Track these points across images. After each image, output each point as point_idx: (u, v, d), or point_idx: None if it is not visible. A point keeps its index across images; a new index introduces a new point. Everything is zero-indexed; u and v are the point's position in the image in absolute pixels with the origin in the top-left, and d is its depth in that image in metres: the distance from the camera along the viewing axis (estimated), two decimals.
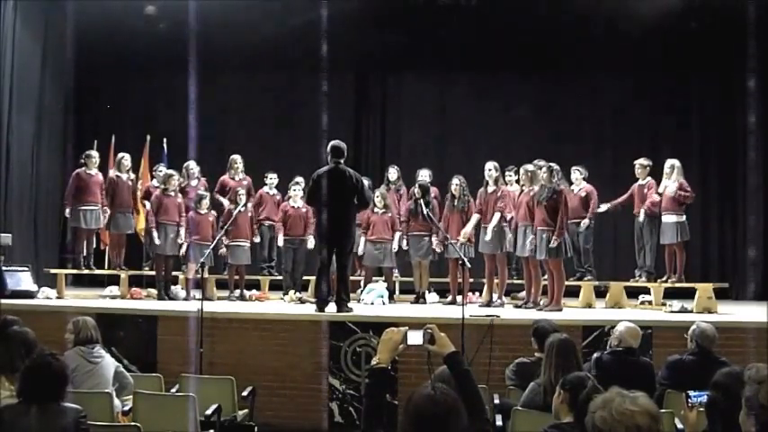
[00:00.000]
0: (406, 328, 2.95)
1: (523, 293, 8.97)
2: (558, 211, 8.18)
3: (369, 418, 2.83)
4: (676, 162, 9.05)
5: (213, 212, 9.64)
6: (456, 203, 9.21)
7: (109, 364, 5.13)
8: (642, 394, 2.28)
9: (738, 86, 11.13)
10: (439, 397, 2.42)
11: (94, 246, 10.20)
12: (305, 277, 9.80)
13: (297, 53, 11.35)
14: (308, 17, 10.30)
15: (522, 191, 8.90)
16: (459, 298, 8.68)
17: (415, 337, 2.91)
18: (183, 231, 9.33)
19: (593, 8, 10.65)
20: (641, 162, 9.38)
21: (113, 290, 9.68)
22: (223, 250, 9.55)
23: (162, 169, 10.05)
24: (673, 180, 8.93)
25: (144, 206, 9.92)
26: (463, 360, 3.06)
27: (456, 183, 9.26)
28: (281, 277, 9.93)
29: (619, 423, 2.18)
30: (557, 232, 8.11)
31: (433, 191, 9.78)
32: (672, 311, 8.25)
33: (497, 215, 8.86)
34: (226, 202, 9.82)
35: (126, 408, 5.02)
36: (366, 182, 8.45)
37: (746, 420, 2.81)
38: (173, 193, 9.38)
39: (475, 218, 9.04)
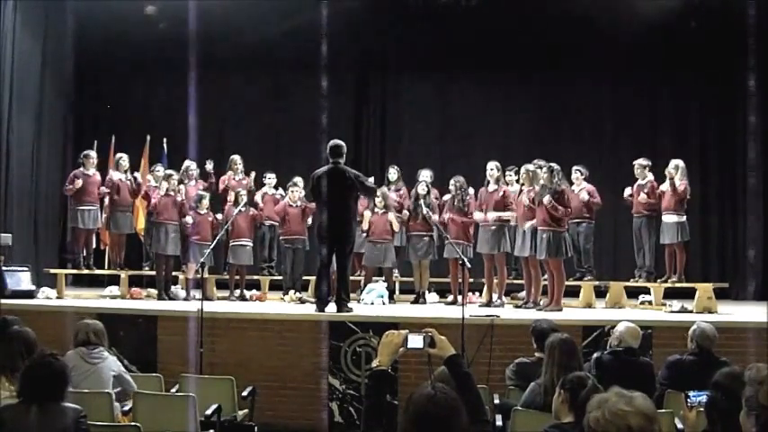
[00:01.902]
0: (407, 331, 2.95)
1: (523, 293, 8.97)
2: (559, 211, 8.20)
3: (368, 419, 2.83)
4: (680, 162, 9.05)
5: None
6: (455, 203, 9.21)
7: (109, 365, 5.10)
8: (640, 395, 2.26)
9: (738, 86, 11.14)
10: (439, 397, 2.43)
11: (94, 246, 10.21)
12: (305, 277, 9.81)
13: (297, 53, 11.35)
14: (308, 17, 10.30)
15: (521, 190, 8.90)
16: (460, 298, 8.68)
17: (416, 341, 2.91)
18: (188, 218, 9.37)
19: (594, 8, 10.65)
20: (640, 162, 9.37)
21: (113, 290, 9.68)
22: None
23: (159, 169, 10.05)
24: (677, 180, 8.92)
25: (144, 204, 9.91)
26: (463, 363, 3.06)
27: (453, 182, 9.26)
28: (281, 277, 9.93)
29: (611, 423, 2.17)
30: (556, 213, 8.11)
31: (434, 192, 9.79)
32: (672, 311, 8.24)
33: (509, 213, 8.87)
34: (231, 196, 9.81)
35: (126, 408, 5.01)
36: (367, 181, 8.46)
37: (747, 420, 2.80)
38: (172, 193, 9.38)
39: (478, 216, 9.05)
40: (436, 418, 2.39)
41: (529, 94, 12.72)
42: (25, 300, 8.38)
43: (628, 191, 9.40)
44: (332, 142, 7.82)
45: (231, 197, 9.76)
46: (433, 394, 2.43)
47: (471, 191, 9.32)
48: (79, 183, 9.42)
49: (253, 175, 10.19)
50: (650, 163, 9.33)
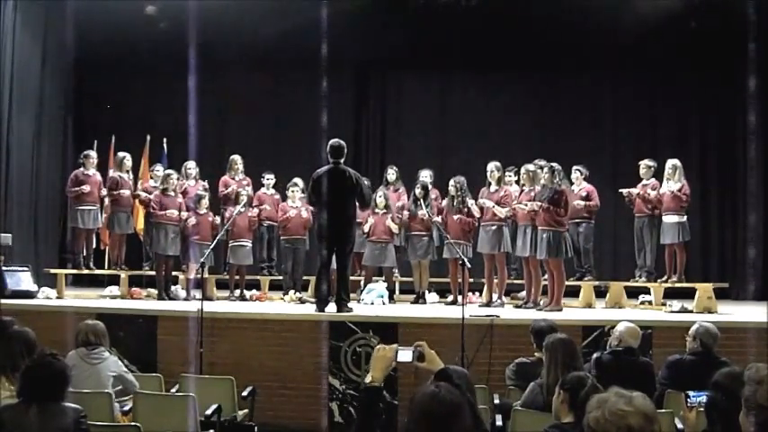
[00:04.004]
0: (396, 345, 2.94)
1: (523, 293, 8.97)
2: (560, 211, 8.21)
3: None
4: (677, 162, 9.05)
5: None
6: (454, 203, 9.21)
7: (108, 366, 5.11)
8: (639, 394, 2.27)
9: (738, 86, 11.13)
10: (444, 394, 2.44)
11: (94, 246, 10.20)
12: (305, 277, 9.81)
13: (297, 53, 11.35)
14: (308, 17, 10.29)
15: (522, 191, 8.90)
16: (460, 298, 8.68)
17: (405, 355, 2.90)
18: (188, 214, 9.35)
19: (594, 8, 10.65)
20: (646, 163, 9.36)
21: (113, 290, 9.67)
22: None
23: (159, 169, 10.05)
24: (676, 180, 8.93)
25: (143, 205, 9.91)
26: (453, 375, 3.06)
27: (452, 183, 9.27)
28: (281, 277, 9.93)
29: (611, 423, 2.17)
30: (554, 214, 8.10)
31: (434, 192, 9.79)
32: (672, 311, 8.25)
33: (504, 209, 8.86)
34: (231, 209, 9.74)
35: (126, 408, 5.02)
36: (366, 182, 8.45)
37: (746, 420, 2.80)
38: (172, 193, 9.38)
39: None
40: (440, 415, 2.40)
41: (529, 94, 12.71)
42: (25, 300, 8.38)
43: (635, 190, 9.34)
44: (332, 142, 7.80)
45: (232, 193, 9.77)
46: (437, 392, 2.45)
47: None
48: (86, 188, 9.43)
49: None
50: (656, 164, 9.32)
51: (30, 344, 4.25)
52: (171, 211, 9.22)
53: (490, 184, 9.12)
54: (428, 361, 2.93)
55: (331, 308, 7.74)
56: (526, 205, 8.47)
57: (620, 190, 9.45)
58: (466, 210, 9.13)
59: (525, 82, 12.64)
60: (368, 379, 2.88)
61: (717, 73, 11.97)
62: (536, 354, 5.21)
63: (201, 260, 7.68)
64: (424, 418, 2.42)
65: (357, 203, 7.90)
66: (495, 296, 9.06)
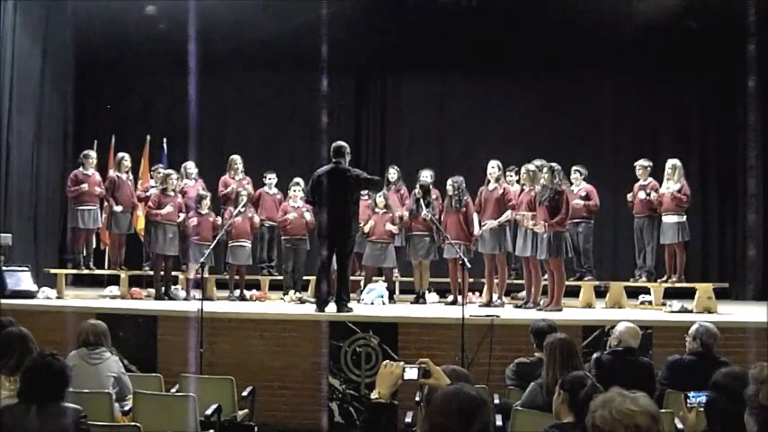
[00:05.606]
0: (403, 363, 2.95)
1: (523, 293, 8.97)
2: (560, 211, 8.20)
3: None
4: (677, 162, 9.05)
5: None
6: (452, 203, 9.21)
7: (108, 366, 5.10)
8: (642, 394, 2.28)
9: (738, 86, 11.14)
10: (468, 390, 2.51)
11: (94, 246, 10.20)
12: (305, 277, 9.81)
13: (297, 53, 11.35)
14: (308, 17, 10.30)
15: (522, 190, 8.91)
16: (460, 298, 8.68)
17: (411, 373, 2.91)
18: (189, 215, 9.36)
19: (594, 8, 10.65)
20: (641, 163, 9.37)
21: (113, 290, 9.67)
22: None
23: (160, 170, 10.05)
24: (675, 180, 8.93)
25: (144, 205, 9.91)
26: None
27: (450, 182, 9.26)
28: (281, 277, 9.93)
29: (619, 423, 2.19)
30: (555, 223, 8.10)
31: (435, 192, 9.79)
32: (672, 311, 8.25)
33: (508, 212, 8.86)
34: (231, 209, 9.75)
35: (126, 408, 5.02)
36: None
37: (750, 420, 2.80)
38: (172, 193, 9.38)
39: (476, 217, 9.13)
40: (466, 410, 2.44)
41: (529, 93, 12.72)
42: (25, 300, 8.38)
43: (630, 196, 9.37)
44: (335, 143, 7.84)
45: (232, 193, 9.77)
46: (461, 388, 2.51)
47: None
48: (85, 187, 9.44)
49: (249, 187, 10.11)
50: (652, 164, 9.34)
51: (29, 344, 4.24)
52: (167, 208, 9.22)
53: (488, 182, 9.12)
54: (435, 377, 2.94)
55: (331, 308, 7.74)
56: (524, 215, 8.47)
57: (628, 198, 9.42)
58: (464, 210, 9.14)
59: (525, 82, 12.64)
60: (374, 395, 2.84)
61: (717, 73, 11.98)
62: (536, 354, 5.21)
63: (201, 260, 7.68)
64: (451, 413, 2.45)
65: (370, 191, 7.85)
66: (495, 296, 9.07)
